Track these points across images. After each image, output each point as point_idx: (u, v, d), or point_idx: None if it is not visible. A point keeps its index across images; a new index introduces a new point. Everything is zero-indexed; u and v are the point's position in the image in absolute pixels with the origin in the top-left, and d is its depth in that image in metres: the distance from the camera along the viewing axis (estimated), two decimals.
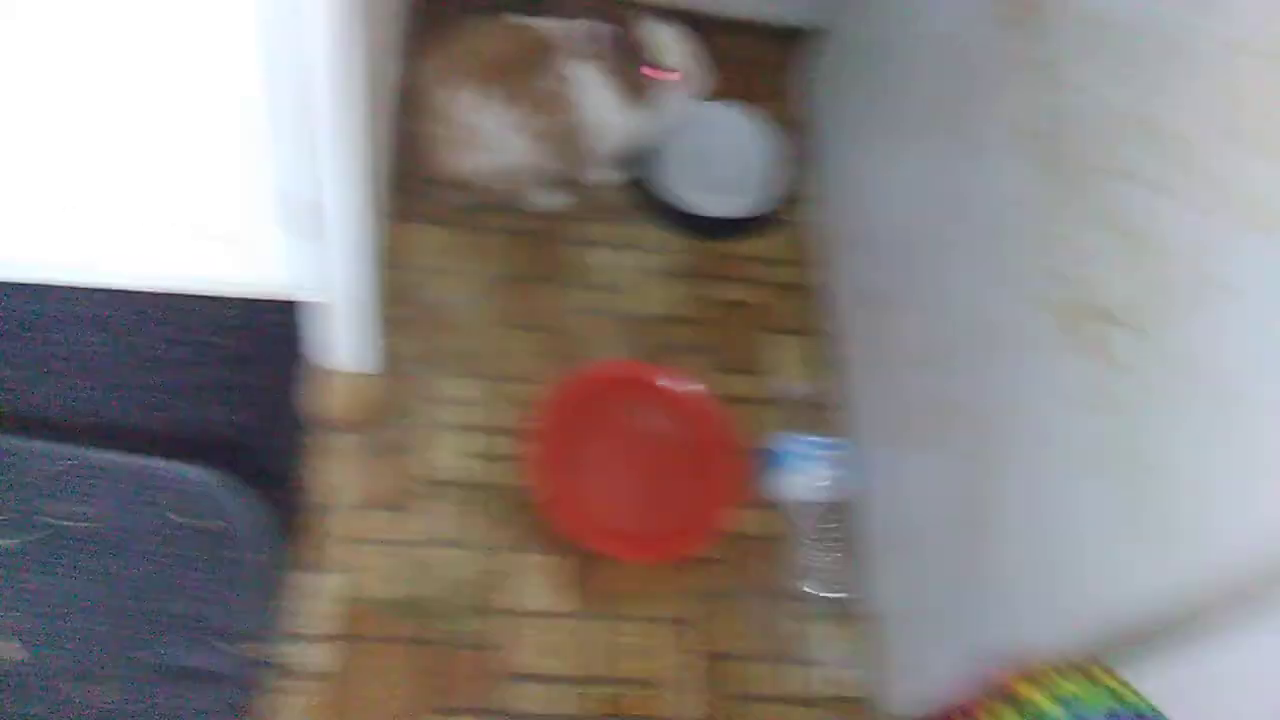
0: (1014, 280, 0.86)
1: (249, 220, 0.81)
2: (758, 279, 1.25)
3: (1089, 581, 0.74)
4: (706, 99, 1.16)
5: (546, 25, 1.09)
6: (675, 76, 1.09)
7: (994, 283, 0.89)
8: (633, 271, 1.22)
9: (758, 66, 1.40)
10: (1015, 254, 0.86)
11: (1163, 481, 0.67)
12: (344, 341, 0.96)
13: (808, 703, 1.02)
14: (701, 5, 1.38)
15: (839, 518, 1.09)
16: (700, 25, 1.26)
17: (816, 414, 1.16)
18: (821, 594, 1.06)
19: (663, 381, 1.11)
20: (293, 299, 0.92)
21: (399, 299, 1.11)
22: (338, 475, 1.01)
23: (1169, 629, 0.65)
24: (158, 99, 0.71)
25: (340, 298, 0.90)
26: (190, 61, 0.68)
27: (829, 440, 1.11)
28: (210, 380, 0.98)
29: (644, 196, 1.25)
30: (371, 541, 0.99)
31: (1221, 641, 0.61)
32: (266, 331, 0.99)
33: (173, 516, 0.89)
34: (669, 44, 1.08)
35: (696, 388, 1.10)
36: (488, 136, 1.07)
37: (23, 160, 0.76)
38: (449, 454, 1.05)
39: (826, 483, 1.09)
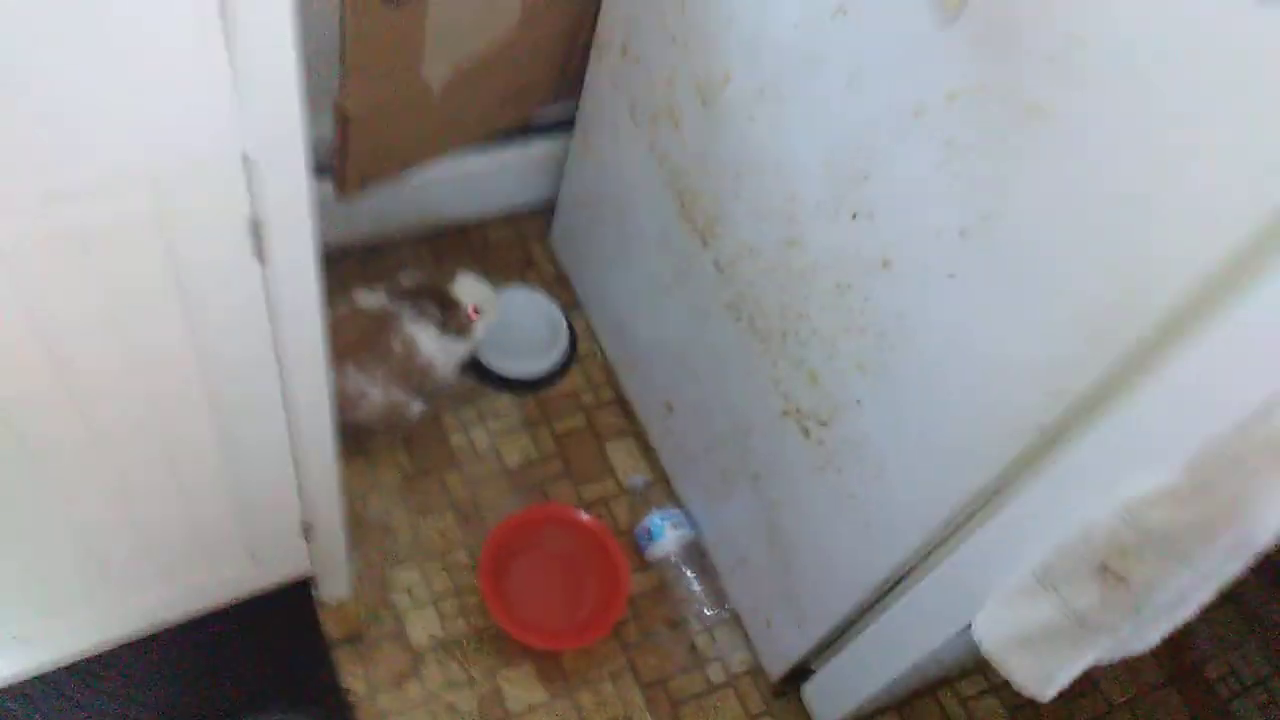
0: (743, 391, 1.35)
1: (265, 549, 1.18)
2: (578, 408, 1.70)
3: (842, 560, 1.25)
4: (497, 290, 1.59)
5: (380, 300, 1.47)
6: (478, 310, 1.51)
7: (731, 394, 1.38)
8: (491, 436, 1.63)
9: (517, 246, 1.84)
10: (742, 376, 1.35)
11: (860, 505, 1.18)
12: (330, 587, 1.34)
13: (718, 689, 1.49)
14: (459, 216, 1.80)
15: (695, 559, 1.57)
16: (465, 231, 1.69)
17: (656, 490, 1.62)
18: (701, 613, 1.54)
19: (556, 513, 1.54)
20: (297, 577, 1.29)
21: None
22: (355, 676, 1.38)
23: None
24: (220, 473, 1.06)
25: (327, 566, 1.28)
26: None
27: (670, 509, 1.58)
28: (244, 644, 1.33)
29: (479, 379, 1.67)
30: (395, 712, 1.37)
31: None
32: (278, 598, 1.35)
33: None
34: (469, 289, 1.50)
35: (580, 511, 1.54)
36: (362, 393, 1.46)
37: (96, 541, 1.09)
38: (422, 626, 1.44)
39: (679, 538, 1.56)
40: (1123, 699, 1.63)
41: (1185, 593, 0.84)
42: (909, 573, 1.17)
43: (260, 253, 0.79)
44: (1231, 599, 1.77)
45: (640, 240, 1.52)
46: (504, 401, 1.68)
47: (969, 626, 1.05)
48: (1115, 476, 0.85)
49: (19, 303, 0.73)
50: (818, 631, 1.36)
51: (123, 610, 1.19)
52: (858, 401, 1.13)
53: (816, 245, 1.12)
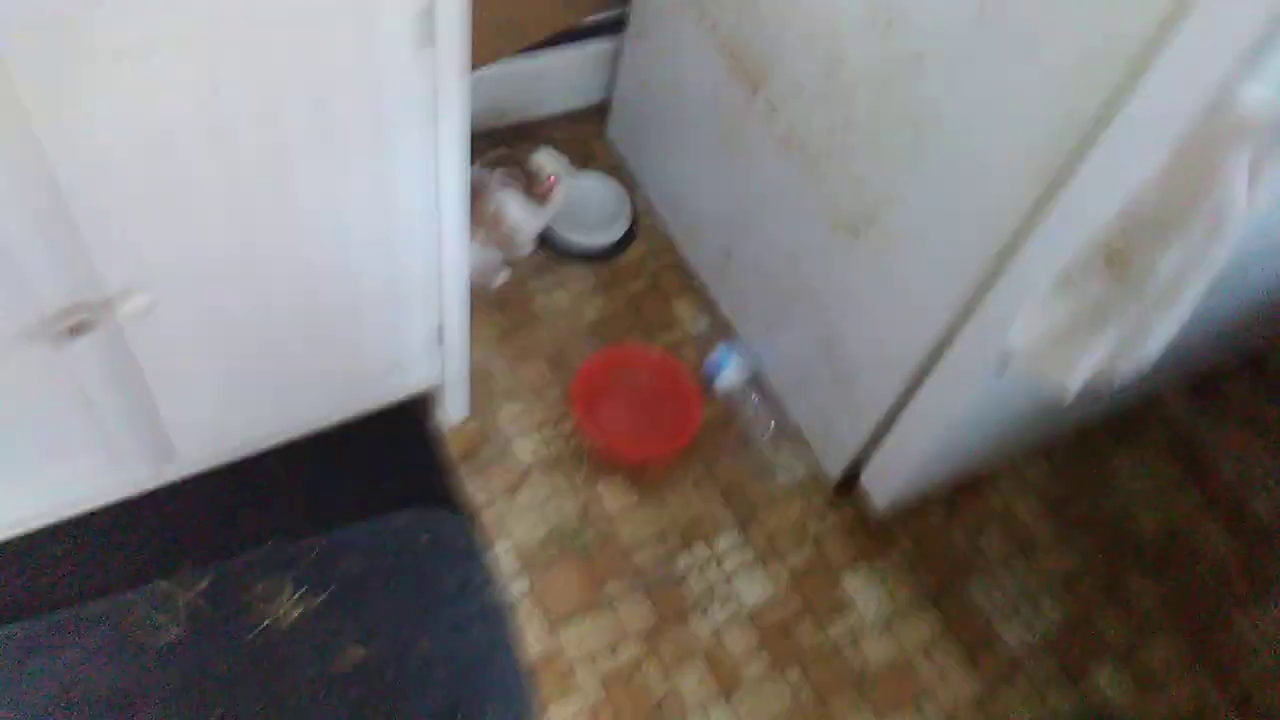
0: (796, 217, 1.56)
1: (406, 350, 1.40)
2: (645, 273, 1.92)
3: (888, 338, 1.46)
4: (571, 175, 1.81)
5: (470, 170, 1.70)
6: (556, 181, 1.73)
7: (784, 225, 1.59)
8: (570, 298, 1.86)
9: (577, 141, 2.06)
10: (796, 202, 1.56)
11: (901, 284, 1.39)
12: (452, 404, 1.56)
13: (785, 492, 1.71)
14: (523, 116, 2.03)
15: (755, 382, 1.78)
16: (529, 130, 1.91)
17: (718, 333, 1.84)
18: (767, 430, 1.75)
19: (632, 351, 1.76)
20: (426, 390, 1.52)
21: None
22: (473, 486, 1.60)
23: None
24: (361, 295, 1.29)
25: (453, 379, 1.50)
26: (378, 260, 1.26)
27: (731, 345, 1.80)
28: (380, 458, 1.55)
29: (554, 250, 1.89)
30: (511, 515, 1.59)
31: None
32: (405, 415, 1.57)
33: (400, 553, 1.47)
34: (548, 163, 1.72)
35: (654, 350, 1.76)
36: None
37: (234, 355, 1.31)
38: (526, 447, 1.66)
39: (742, 368, 1.78)
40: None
41: (1176, 275, 1.04)
42: (946, 344, 1.38)
43: (430, 37, 1.01)
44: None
45: (694, 110, 1.73)
46: (578, 270, 1.90)
47: (1001, 372, 1.26)
48: (1116, 179, 1.05)
49: (251, 69, 0.95)
50: (871, 419, 1.57)
51: (290, 411, 1.41)
52: (899, 194, 1.34)
53: (857, 60, 1.33)
